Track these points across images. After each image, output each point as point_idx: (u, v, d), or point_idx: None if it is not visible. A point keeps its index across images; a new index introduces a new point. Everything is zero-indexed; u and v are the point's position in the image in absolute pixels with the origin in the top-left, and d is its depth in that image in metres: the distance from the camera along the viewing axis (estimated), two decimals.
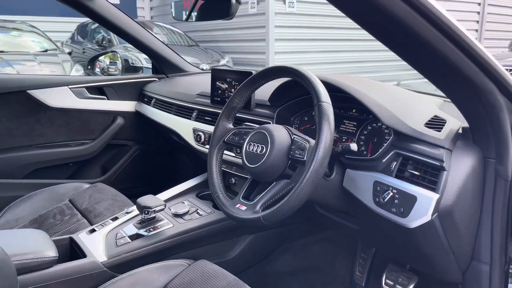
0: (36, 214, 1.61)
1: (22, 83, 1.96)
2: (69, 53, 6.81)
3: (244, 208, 1.09)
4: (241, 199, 1.13)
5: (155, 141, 2.33)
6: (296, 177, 1.05)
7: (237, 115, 1.29)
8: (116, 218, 1.42)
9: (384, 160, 1.11)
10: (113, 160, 2.31)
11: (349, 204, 1.22)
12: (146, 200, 1.37)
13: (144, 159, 2.38)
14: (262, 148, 1.09)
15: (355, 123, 1.29)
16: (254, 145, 1.12)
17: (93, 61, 2.44)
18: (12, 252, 1.07)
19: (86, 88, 2.10)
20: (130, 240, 1.31)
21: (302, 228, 1.73)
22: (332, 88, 1.17)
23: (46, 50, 6.24)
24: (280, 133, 1.10)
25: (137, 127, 2.29)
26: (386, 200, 1.06)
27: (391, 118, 1.10)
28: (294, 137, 1.10)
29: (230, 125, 1.27)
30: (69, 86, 2.05)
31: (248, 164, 1.12)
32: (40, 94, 1.97)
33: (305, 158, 1.04)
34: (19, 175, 2.01)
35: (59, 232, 1.48)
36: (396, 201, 1.05)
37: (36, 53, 5.95)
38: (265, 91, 1.42)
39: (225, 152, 1.42)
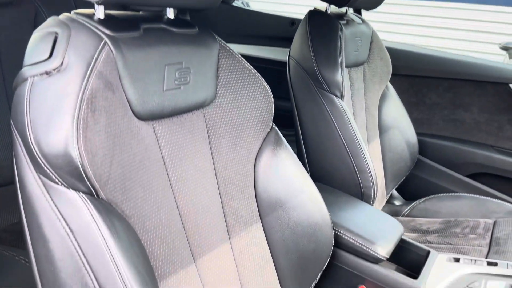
0: (452, 216, 1.54)
1: (504, 74, 1.73)
2: None
3: None
4: None
5: None
6: None
7: None
8: (495, 264, 1.08)
9: None
10: None
11: None
12: None
13: None
14: None
15: None
16: None
17: None
18: (350, 228, 1.08)
19: None
20: None
21: None
22: None
23: None
24: None
25: None
26: None
27: None
28: None
29: None
30: None
31: None
32: None
33: None
34: (460, 171, 1.85)
35: (444, 244, 1.34)
36: None
37: None
38: None
39: None
